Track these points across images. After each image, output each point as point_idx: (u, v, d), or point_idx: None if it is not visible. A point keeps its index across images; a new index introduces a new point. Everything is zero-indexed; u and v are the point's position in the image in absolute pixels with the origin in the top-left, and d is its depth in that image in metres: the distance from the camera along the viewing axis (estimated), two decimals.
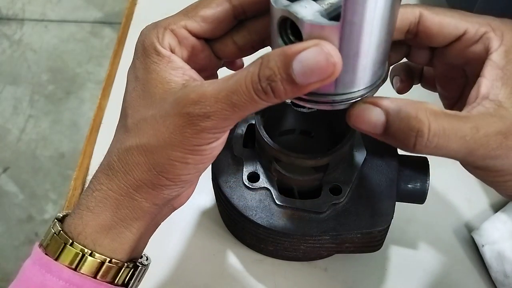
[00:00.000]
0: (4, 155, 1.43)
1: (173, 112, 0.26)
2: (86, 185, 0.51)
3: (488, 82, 0.27)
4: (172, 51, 0.28)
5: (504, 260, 0.43)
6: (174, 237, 0.48)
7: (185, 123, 0.25)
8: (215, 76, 0.33)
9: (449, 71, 0.32)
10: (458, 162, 0.33)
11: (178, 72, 0.27)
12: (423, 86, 0.36)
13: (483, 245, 0.45)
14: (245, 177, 0.41)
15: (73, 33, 1.70)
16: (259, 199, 0.40)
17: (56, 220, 0.30)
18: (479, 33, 0.27)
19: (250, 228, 0.41)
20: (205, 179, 0.51)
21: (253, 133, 0.40)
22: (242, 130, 0.42)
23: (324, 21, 0.23)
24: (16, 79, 1.59)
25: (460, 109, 0.27)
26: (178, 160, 0.27)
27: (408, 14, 0.28)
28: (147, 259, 0.33)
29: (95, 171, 0.30)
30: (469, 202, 0.50)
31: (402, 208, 0.42)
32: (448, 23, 0.27)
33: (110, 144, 0.30)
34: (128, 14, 0.68)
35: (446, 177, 0.50)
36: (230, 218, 0.43)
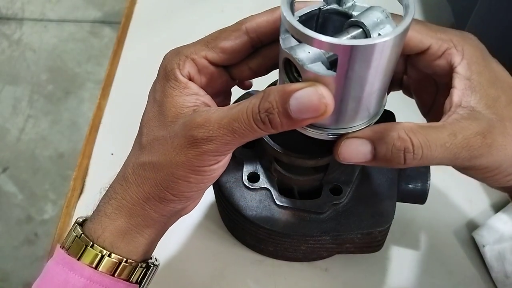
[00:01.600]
0: (3, 155, 1.43)
1: (180, 134, 0.28)
2: (86, 186, 0.51)
3: (459, 92, 0.29)
4: (191, 78, 0.30)
5: (505, 261, 0.43)
6: (174, 237, 0.48)
7: (189, 144, 0.28)
8: (229, 94, 0.36)
9: (421, 80, 0.34)
10: None
11: (192, 97, 0.30)
12: (404, 93, 0.38)
13: (483, 246, 0.45)
14: (245, 177, 0.40)
15: (72, 33, 1.69)
16: (259, 199, 0.40)
17: (77, 225, 0.33)
18: (442, 49, 0.30)
19: (250, 229, 0.41)
20: None
21: None
22: None
23: (322, 70, 0.25)
24: (16, 79, 1.59)
25: (434, 117, 0.30)
26: (181, 178, 0.29)
27: None
28: (156, 260, 0.36)
29: (112, 181, 0.33)
30: (470, 203, 0.50)
31: (402, 209, 0.42)
32: (415, 37, 0.30)
33: (127, 157, 0.33)
34: (127, 14, 0.68)
35: (447, 178, 0.50)
36: (230, 219, 0.43)
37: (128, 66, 0.62)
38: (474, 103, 0.29)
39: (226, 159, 0.30)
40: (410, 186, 0.41)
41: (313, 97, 0.25)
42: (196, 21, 0.66)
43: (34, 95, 1.55)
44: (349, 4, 0.29)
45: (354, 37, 0.26)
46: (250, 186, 0.40)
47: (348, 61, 0.24)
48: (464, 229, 0.48)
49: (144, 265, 0.33)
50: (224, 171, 0.41)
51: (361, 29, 0.26)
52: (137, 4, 0.69)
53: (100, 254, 0.31)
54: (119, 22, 0.68)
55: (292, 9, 0.27)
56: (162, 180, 0.30)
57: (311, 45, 0.24)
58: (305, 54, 0.25)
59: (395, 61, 0.26)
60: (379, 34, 0.26)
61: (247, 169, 0.41)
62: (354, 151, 0.29)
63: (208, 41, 0.31)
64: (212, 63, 0.31)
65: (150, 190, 0.30)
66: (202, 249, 0.47)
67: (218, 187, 0.41)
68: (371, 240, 0.40)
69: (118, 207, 0.31)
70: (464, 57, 0.29)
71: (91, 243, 0.31)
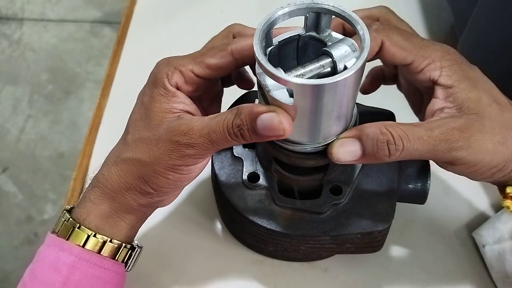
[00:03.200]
0: (3, 155, 1.43)
1: (165, 137, 0.32)
2: (86, 185, 0.51)
3: (440, 101, 0.34)
4: (179, 87, 0.34)
5: (505, 261, 0.43)
6: (174, 237, 0.48)
7: (173, 148, 0.32)
8: (219, 97, 0.40)
9: (409, 83, 0.39)
10: None
11: (179, 105, 0.34)
12: (398, 88, 0.42)
13: (483, 246, 0.45)
14: (245, 177, 0.40)
15: (72, 33, 1.69)
16: (259, 199, 0.40)
17: (65, 211, 0.36)
18: (422, 65, 0.34)
19: (250, 229, 0.41)
20: (205, 179, 0.51)
21: None
22: None
23: (284, 98, 0.29)
24: (16, 79, 1.59)
25: (425, 116, 0.35)
26: (161, 175, 0.33)
27: (373, 41, 0.33)
28: (138, 245, 0.39)
29: (98, 170, 0.36)
30: (470, 203, 0.50)
31: (402, 209, 0.42)
32: (399, 55, 0.34)
33: (111, 150, 0.36)
34: (127, 14, 0.68)
35: (447, 178, 0.50)
36: (230, 218, 0.43)
37: (128, 66, 0.62)
38: (456, 108, 0.33)
39: (203, 162, 0.34)
40: (410, 186, 0.41)
41: (274, 121, 0.29)
42: (196, 21, 0.66)
43: (34, 95, 1.55)
44: (325, 34, 0.32)
45: (323, 66, 0.30)
46: (250, 186, 0.40)
47: (297, 94, 0.28)
48: (464, 229, 0.48)
49: (128, 246, 0.37)
50: (224, 171, 0.41)
51: (330, 59, 0.30)
52: (137, 4, 0.69)
53: (86, 235, 0.35)
54: (119, 22, 0.68)
55: (269, 37, 0.31)
56: (144, 174, 0.34)
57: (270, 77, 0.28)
58: (272, 81, 0.29)
59: (349, 95, 0.30)
60: (345, 66, 0.29)
61: (247, 169, 0.41)
62: (346, 150, 0.32)
63: (196, 56, 0.34)
64: (197, 76, 0.34)
65: (133, 181, 0.34)
66: (202, 249, 0.47)
67: (218, 187, 0.41)
68: (371, 240, 0.40)
69: (101, 194, 0.35)
70: (443, 70, 0.34)
71: (78, 225, 0.35)
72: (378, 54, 0.34)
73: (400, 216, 0.41)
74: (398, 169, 0.41)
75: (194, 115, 0.34)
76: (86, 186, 0.53)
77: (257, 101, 0.35)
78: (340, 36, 0.32)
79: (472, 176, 0.35)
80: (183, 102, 0.34)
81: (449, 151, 0.32)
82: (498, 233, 0.44)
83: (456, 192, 0.50)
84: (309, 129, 0.32)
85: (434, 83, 0.34)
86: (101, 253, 0.35)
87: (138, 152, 0.34)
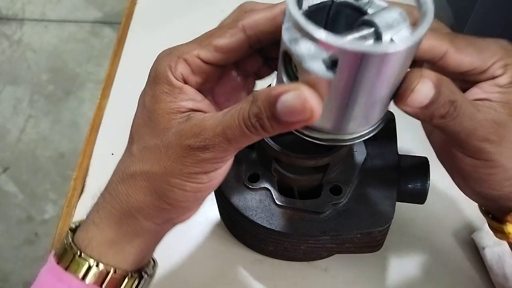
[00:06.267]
0: (4, 155, 1.43)
1: (175, 143, 0.27)
2: (86, 185, 0.52)
3: (483, 92, 0.30)
4: (185, 80, 0.28)
5: (505, 263, 0.43)
6: (174, 237, 0.47)
7: (186, 154, 0.27)
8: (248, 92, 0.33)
9: None
10: None
11: (188, 103, 0.28)
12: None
13: (483, 248, 0.45)
14: (245, 177, 0.41)
15: (73, 33, 1.70)
16: (259, 199, 0.40)
17: (69, 231, 0.32)
18: (486, 66, 0.30)
19: (250, 228, 0.41)
20: None
21: None
22: None
23: (320, 70, 0.23)
24: (16, 79, 1.59)
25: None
26: (177, 187, 0.28)
27: (435, 49, 0.29)
28: (154, 264, 0.35)
29: (103, 188, 0.32)
30: (470, 204, 0.49)
31: (402, 209, 0.42)
32: (466, 61, 0.29)
33: (117, 165, 0.31)
34: (128, 14, 0.68)
35: (447, 178, 0.50)
36: (230, 218, 0.43)
37: (128, 66, 0.63)
38: (501, 105, 0.30)
39: (225, 167, 0.29)
40: (409, 186, 0.41)
41: (296, 101, 0.23)
42: (196, 21, 0.66)
43: (34, 95, 1.55)
44: (365, 1, 0.26)
45: (364, 37, 0.24)
46: (250, 186, 0.40)
47: (348, 66, 0.22)
48: (464, 231, 0.48)
49: (136, 274, 0.32)
50: None
51: (373, 29, 0.24)
52: (138, 5, 0.69)
53: (87, 265, 0.30)
54: (120, 23, 0.68)
55: (299, 1, 0.25)
56: (157, 188, 0.29)
57: (311, 41, 0.22)
58: (306, 50, 0.23)
59: (405, 70, 0.25)
60: (392, 38, 0.24)
61: (247, 169, 0.41)
62: (424, 91, 0.26)
63: (202, 39, 0.29)
64: (205, 62, 0.28)
65: (144, 198, 0.29)
66: (202, 249, 0.47)
67: (218, 187, 0.41)
68: (370, 240, 0.40)
69: (107, 217, 0.31)
70: (507, 69, 0.30)
71: (79, 252, 0.30)
72: (438, 62, 0.29)
73: (400, 216, 0.41)
74: (398, 168, 0.41)
75: (207, 113, 0.28)
76: (87, 186, 0.54)
77: (274, 83, 0.29)
78: (384, 4, 0.26)
79: (487, 182, 0.32)
80: (192, 99, 0.28)
81: (482, 139, 0.29)
82: None
83: (456, 193, 0.50)
84: (338, 113, 0.25)
85: (492, 79, 0.30)
86: (103, 286, 0.31)
87: (146, 163, 0.29)
